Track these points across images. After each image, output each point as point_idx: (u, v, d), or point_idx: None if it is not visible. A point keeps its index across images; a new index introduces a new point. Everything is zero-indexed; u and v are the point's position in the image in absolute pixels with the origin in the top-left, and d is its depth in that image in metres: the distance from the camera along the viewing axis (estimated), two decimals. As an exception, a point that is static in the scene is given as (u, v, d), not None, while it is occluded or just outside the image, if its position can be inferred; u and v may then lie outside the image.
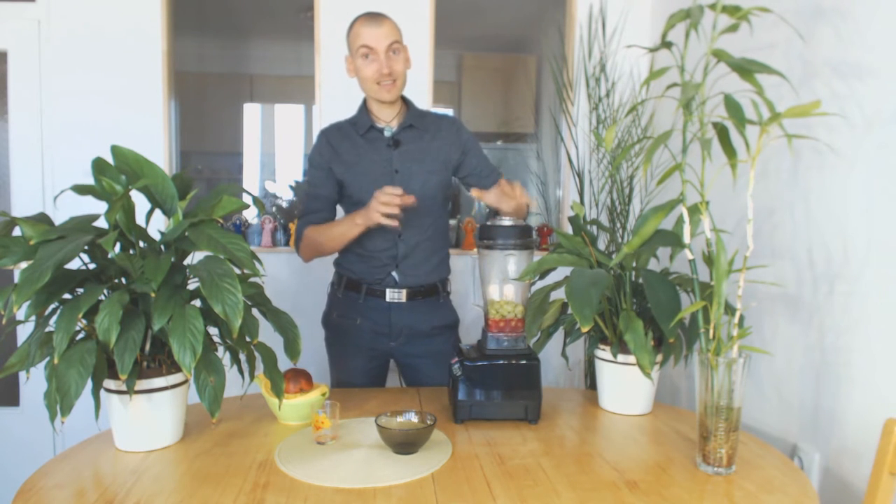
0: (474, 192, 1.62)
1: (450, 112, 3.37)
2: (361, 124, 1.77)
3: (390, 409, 1.33)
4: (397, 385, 1.87)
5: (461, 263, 2.73)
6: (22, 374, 2.54)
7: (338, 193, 1.81)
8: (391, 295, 1.77)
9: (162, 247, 1.24)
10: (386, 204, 1.52)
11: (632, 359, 1.40)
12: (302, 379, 1.41)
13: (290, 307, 1.49)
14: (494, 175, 1.84)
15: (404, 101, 1.81)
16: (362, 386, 1.81)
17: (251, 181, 3.46)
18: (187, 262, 1.28)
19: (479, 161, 1.83)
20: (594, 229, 2.27)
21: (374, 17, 1.67)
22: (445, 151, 1.79)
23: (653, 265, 1.55)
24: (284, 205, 3.37)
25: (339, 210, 1.86)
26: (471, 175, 1.83)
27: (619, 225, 2.56)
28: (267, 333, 1.32)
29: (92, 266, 1.24)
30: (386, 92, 1.69)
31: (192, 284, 1.25)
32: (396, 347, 1.82)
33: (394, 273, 1.77)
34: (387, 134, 1.76)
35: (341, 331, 1.83)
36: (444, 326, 1.85)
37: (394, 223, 1.54)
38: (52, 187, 2.58)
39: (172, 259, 1.18)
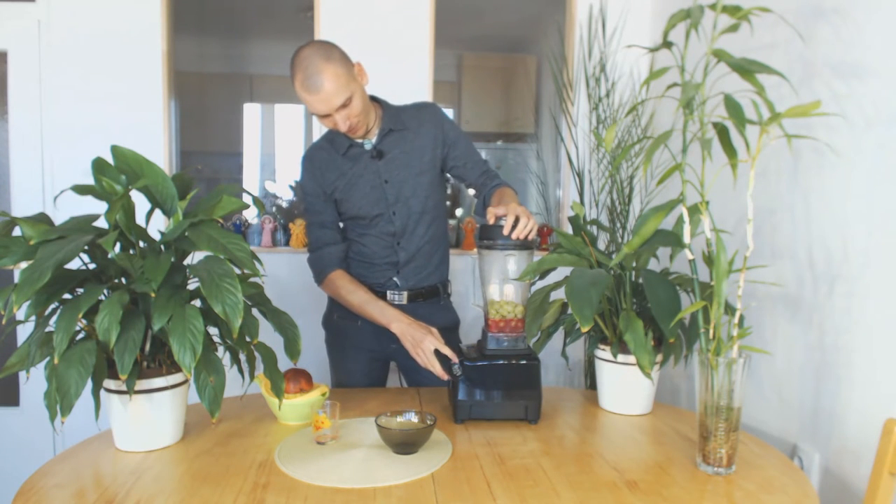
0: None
1: (450, 112, 3.37)
2: (339, 143, 1.71)
3: (390, 409, 1.33)
4: (397, 385, 1.87)
5: (461, 263, 2.73)
6: (22, 374, 2.54)
7: (338, 213, 1.78)
8: (392, 297, 1.76)
9: (162, 247, 1.24)
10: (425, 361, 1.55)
11: (632, 359, 1.40)
12: (302, 379, 1.41)
13: (291, 307, 1.49)
14: (481, 165, 1.77)
15: (377, 102, 1.72)
16: (363, 387, 1.80)
17: (251, 181, 3.46)
18: (187, 262, 1.28)
19: (464, 151, 1.76)
20: (594, 229, 2.28)
21: (309, 86, 1.49)
22: (430, 149, 1.72)
23: (653, 265, 1.55)
24: (284, 205, 3.37)
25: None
26: (456, 167, 1.76)
27: (619, 225, 2.56)
28: (267, 333, 1.32)
29: (92, 266, 1.24)
30: (353, 134, 1.64)
31: (192, 284, 1.25)
32: (398, 349, 1.80)
33: (395, 278, 1.77)
34: (367, 147, 1.70)
35: (342, 332, 1.82)
36: (445, 328, 1.83)
37: (443, 377, 1.51)
38: (52, 187, 2.58)
39: (172, 259, 1.18)
